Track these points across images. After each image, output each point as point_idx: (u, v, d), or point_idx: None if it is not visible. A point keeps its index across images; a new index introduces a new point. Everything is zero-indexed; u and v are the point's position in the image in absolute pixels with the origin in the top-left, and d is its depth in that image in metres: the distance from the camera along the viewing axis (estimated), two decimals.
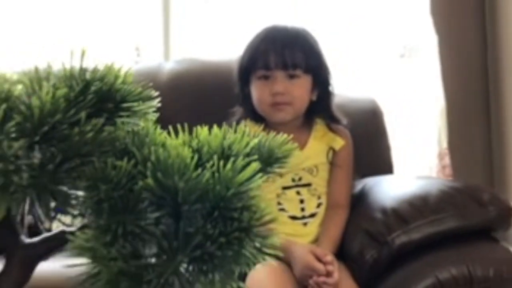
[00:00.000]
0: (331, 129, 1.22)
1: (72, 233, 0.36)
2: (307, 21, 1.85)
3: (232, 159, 0.32)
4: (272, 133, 0.43)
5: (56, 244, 0.36)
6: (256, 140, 0.39)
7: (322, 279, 1.00)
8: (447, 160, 1.88)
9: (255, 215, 0.31)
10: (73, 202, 0.30)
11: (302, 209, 1.15)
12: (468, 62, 1.94)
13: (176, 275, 0.29)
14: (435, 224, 1.05)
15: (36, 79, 0.35)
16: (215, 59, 1.75)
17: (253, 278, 1.03)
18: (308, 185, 1.17)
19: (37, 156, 0.30)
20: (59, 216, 1.44)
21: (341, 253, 1.11)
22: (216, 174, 0.31)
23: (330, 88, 1.22)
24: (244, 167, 0.33)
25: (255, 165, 0.33)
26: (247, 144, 0.39)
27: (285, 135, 0.43)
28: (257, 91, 1.16)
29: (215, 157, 0.32)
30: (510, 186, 1.83)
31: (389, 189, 1.18)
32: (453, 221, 1.05)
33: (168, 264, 0.29)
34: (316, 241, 1.13)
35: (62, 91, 0.32)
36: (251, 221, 0.30)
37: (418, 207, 1.07)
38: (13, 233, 0.36)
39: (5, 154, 0.29)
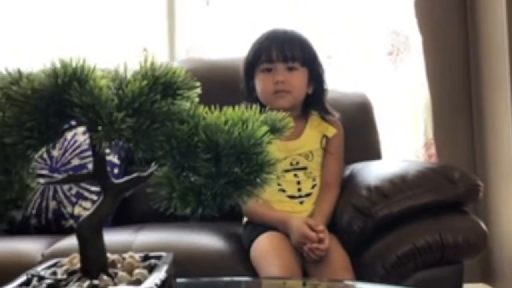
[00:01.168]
0: (325, 120, 1.44)
1: (147, 177, 0.57)
2: (304, 22, 2.06)
3: (250, 124, 0.54)
4: (275, 112, 0.65)
5: (134, 184, 0.58)
6: (264, 115, 0.60)
7: (314, 245, 1.21)
8: (433, 150, 2.09)
9: (265, 158, 0.52)
10: (156, 149, 0.51)
11: (299, 190, 1.37)
12: (451, 59, 2.16)
13: (220, 190, 0.50)
14: (412, 198, 1.26)
15: (119, 76, 0.56)
16: (219, 59, 1.95)
17: (258, 246, 1.25)
18: (304, 168, 1.39)
19: (132, 122, 0.51)
20: (80, 201, 1.65)
21: (333, 226, 1.32)
22: (242, 133, 0.52)
23: (324, 83, 1.44)
24: (258, 128, 0.54)
25: (265, 128, 0.54)
26: (259, 117, 0.60)
27: (285, 113, 0.64)
28: (261, 82, 1.39)
29: (240, 122, 0.54)
30: (491, 171, 2.04)
31: (374, 170, 1.40)
32: (428, 196, 1.27)
33: (215, 184, 0.50)
34: (311, 216, 1.35)
35: (144, 82, 0.53)
36: (264, 161, 0.52)
37: (397, 184, 1.28)
38: (107, 176, 0.57)
39: (116, 119, 0.50)
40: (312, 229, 1.23)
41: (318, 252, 1.21)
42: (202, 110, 0.56)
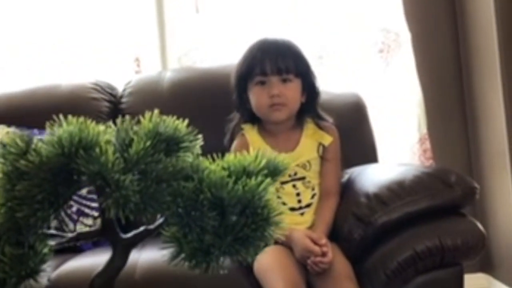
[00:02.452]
0: (320, 127, 1.45)
1: (154, 230, 0.59)
2: (294, 24, 2.07)
3: (253, 177, 0.55)
4: (276, 153, 0.66)
5: (142, 237, 0.59)
6: (265, 160, 0.62)
7: (318, 259, 1.23)
8: (427, 144, 2.11)
9: (270, 211, 0.54)
10: (163, 210, 0.53)
11: (299, 201, 1.39)
12: (441, 54, 2.17)
13: (228, 248, 0.52)
14: (410, 204, 1.28)
15: (124, 132, 0.57)
16: (212, 66, 1.95)
17: (261, 260, 1.26)
18: (302, 178, 1.40)
19: (139, 185, 0.52)
20: (81, 218, 1.66)
21: (333, 235, 1.34)
22: (246, 188, 0.54)
23: (317, 90, 1.45)
24: (261, 181, 0.56)
25: (268, 181, 0.55)
26: (260, 163, 0.62)
27: (285, 156, 0.65)
28: (256, 96, 1.40)
29: (244, 176, 0.55)
30: (484, 162, 2.07)
31: (371, 177, 1.41)
32: (425, 201, 1.29)
33: (222, 243, 0.52)
34: (312, 226, 1.37)
35: (148, 143, 0.54)
36: (269, 214, 0.53)
37: (395, 191, 1.30)
38: (115, 232, 0.59)
39: (123, 185, 0.51)
40: (315, 242, 1.25)
41: (322, 265, 1.23)
42: (205, 162, 0.57)
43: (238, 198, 0.53)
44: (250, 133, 1.44)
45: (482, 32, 1.98)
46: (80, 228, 1.65)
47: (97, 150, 0.51)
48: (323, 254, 1.23)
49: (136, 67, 2.10)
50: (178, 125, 0.58)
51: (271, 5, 2.08)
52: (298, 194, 1.39)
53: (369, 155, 1.74)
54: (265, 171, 0.61)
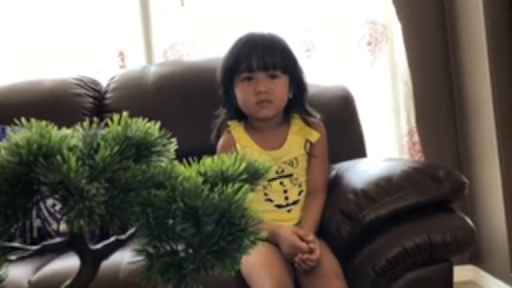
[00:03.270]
0: (307, 123, 1.40)
1: (125, 240, 0.54)
2: (280, 16, 2.02)
3: (230, 184, 0.51)
4: (256, 155, 0.61)
5: (113, 249, 0.54)
6: (244, 164, 0.57)
7: (306, 256, 1.19)
8: (416, 137, 2.08)
9: (248, 221, 0.49)
10: (132, 221, 0.48)
11: (286, 198, 1.34)
12: (430, 46, 2.13)
13: (202, 262, 0.47)
14: (399, 201, 1.25)
15: (89, 136, 0.52)
16: (197, 60, 1.90)
17: (248, 259, 1.22)
18: (290, 175, 1.36)
19: (105, 195, 0.47)
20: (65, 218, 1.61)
21: (321, 232, 1.30)
22: (222, 196, 0.49)
23: (305, 86, 1.40)
24: (239, 188, 0.51)
25: (247, 187, 0.51)
26: (239, 166, 0.57)
27: (266, 159, 0.61)
28: (242, 92, 1.35)
29: (220, 183, 0.50)
30: (473, 155, 2.04)
31: (359, 173, 1.37)
32: (414, 197, 1.25)
33: (196, 256, 0.47)
34: (299, 223, 1.33)
35: (115, 149, 0.49)
36: (247, 225, 0.49)
37: (383, 187, 1.26)
38: (84, 243, 0.54)
39: (88, 195, 0.46)
40: (302, 239, 1.21)
41: (310, 263, 1.19)
42: (179, 168, 0.53)
43: (214, 207, 0.48)
44: (237, 130, 1.39)
45: (471, 24, 1.94)
46: (64, 228, 1.60)
47: (59, 157, 0.46)
48: (311, 251, 1.19)
49: (120, 61, 2.04)
50: (150, 128, 0.53)
51: None
52: (285, 191, 1.35)
53: (357, 149, 1.70)
54: (245, 175, 0.56)
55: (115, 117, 0.52)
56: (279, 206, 1.34)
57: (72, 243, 0.53)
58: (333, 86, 1.84)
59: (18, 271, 1.30)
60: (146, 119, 0.54)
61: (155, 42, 2.04)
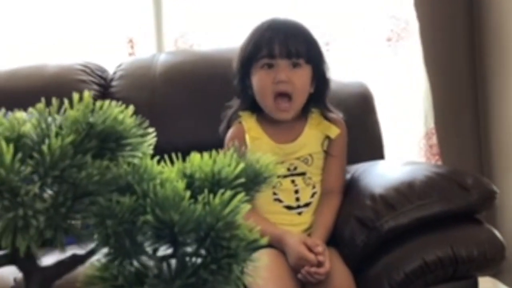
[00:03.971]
0: (326, 118, 1.24)
1: (84, 257, 0.40)
2: (300, 8, 1.88)
3: (220, 191, 0.37)
4: (258, 154, 0.48)
5: (69, 267, 0.41)
6: (242, 164, 0.43)
7: (313, 269, 1.05)
8: (434, 140, 1.93)
9: (241, 243, 0.35)
10: (85, 237, 0.35)
11: (297, 199, 1.20)
12: (451, 45, 1.97)
13: None
14: (421, 209, 1.10)
15: (44, 122, 0.39)
16: (210, 50, 1.77)
17: None
18: (303, 174, 1.21)
19: (49, 200, 0.34)
20: None
21: (333, 239, 1.16)
22: (207, 207, 0.36)
23: (328, 81, 1.25)
24: (232, 197, 0.37)
25: (241, 197, 0.37)
26: (235, 168, 0.43)
27: (270, 156, 0.47)
28: (260, 80, 1.18)
29: (206, 190, 0.37)
30: (496, 161, 1.88)
31: (378, 176, 1.23)
32: (438, 206, 1.10)
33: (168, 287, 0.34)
34: (310, 228, 1.18)
35: (69, 139, 0.36)
36: (238, 249, 0.35)
37: (404, 193, 1.12)
38: (31, 259, 0.41)
39: (23, 200, 0.33)
40: (311, 249, 1.07)
41: (317, 277, 1.04)
42: (156, 168, 0.39)
43: (196, 222, 0.35)
44: (248, 121, 1.22)
45: (499, 20, 1.78)
46: None
47: None
48: (319, 264, 1.05)
49: (129, 49, 1.91)
50: (120, 114, 0.40)
51: None
52: (296, 192, 1.19)
53: (375, 150, 1.56)
54: (242, 180, 0.43)
55: (75, 96, 0.39)
56: (289, 208, 1.19)
57: (16, 257, 0.40)
58: (351, 82, 1.70)
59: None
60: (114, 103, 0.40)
61: (166, 30, 1.91)
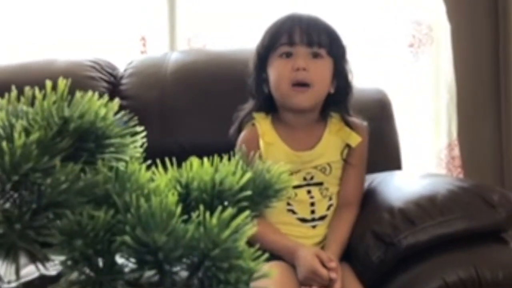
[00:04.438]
0: (347, 124, 1.14)
1: (55, 278, 0.33)
2: (318, 10, 1.80)
3: (219, 208, 0.29)
4: (269, 162, 0.40)
5: None
6: (250, 174, 0.36)
7: None
8: (456, 151, 1.84)
9: (242, 276, 0.28)
10: (46, 260, 0.28)
11: (312, 212, 1.10)
12: (480, 52, 1.88)
13: None
14: (443, 225, 1.01)
15: (10, 116, 0.32)
16: (223, 50, 1.70)
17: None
18: (319, 184, 1.12)
19: (4, 211, 0.27)
20: None
21: (347, 254, 1.08)
22: (202, 229, 0.28)
23: (350, 83, 1.15)
24: (235, 216, 0.30)
25: (245, 215, 0.30)
26: (241, 177, 0.36)
27: (282, 165, 0.39)
28: (277, 69, 1.09)
29: (201, 207, 0.29)
30: None
31: (396, 189, 1.14)
32: (461, 223, 1.02)
33: None
34: (323, 241, 1.10)
35: (34, 136, 0.28)
36: (239, 284, 0.28)
37: (425, 208, 1.03)
38: None
39: None
40: (324, 264, 0.98)
41: None
42: (144, 175, 0.32)
43: (187, 247, 0.27)
44: (262, 123, 1.12)
45: None
46: None
47: None
48: (330, 281, 0.96)
49: (141, 47, 1.85)
50: (102, 107, 0.32)
51: None
52: (312, 204, 1.10)
53: (391, 160, 1.47)
54: (248, 192, 0.35)
55: (48, 84, 0.32)
56: (303, 220, 1.10)
57: None
58: (369, 88, 1.61)
59: None
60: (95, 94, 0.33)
61: (180, 29, 1.85)
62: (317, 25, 1.10)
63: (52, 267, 0.29)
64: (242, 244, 0.28)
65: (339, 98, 1.13)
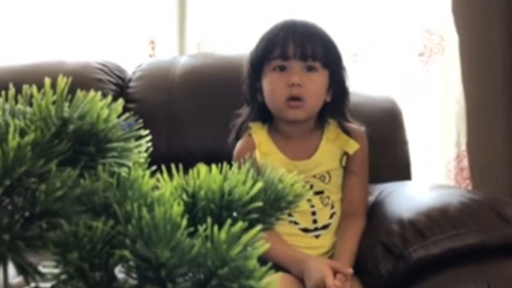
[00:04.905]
0: (345, 130, 1.12)
1: None
2: (328, 16, 1.78)
3: (228, 221, 0.27)
4: (280, 171, 0.37)
5: None
6: (261, 184, 0.33)
7: None
8: (465, 162, 1.80)
9: None
10: (39, 275, 0.25)
11: (314, 221, 1.08)
12: (490, 62, 1.85)
13: None
14: (455, 239, 0.98)
15: (7, 115, 0.29)
16: (232, 54, 1.67)
17: None
18: (320, 192, 1.09)
19: None
20: None
21: (355, 267, 1.04)
22: (209, 244, 0.25)
23: (346, 89, 1.14)
24: (245, 230, 0.27)
25: (257, 230, 0.27)
26: (251, 187, 0.33)
27: (296, 175, 0.37)
28: (272, 83, 1.07)
29: (209, 220, 0.27)
30: None
31: (406, 199, 1.11)
32: (474, 237, 0.98)
33: None
34: (329, 252, 1.07)
35: (30, 137, 0.26)
36: None
37: (437, 220, 1.00)
38: None
39: None
40: (336, 272, 0.95)
41: None
42: (148, 182, 0.29)
43: (192, 264, 0.25)
44: (259, 133, 1.11)
45: None
46: None
47: None
48: None
49: (150, 50, 1.83)
50: (104, 109, 0.30)
51: None
52: (313, 213, 1.07)
53: (401, 170, 1.44)
54: (259, 203, 0.32)
55: (46, 82, 0.29)
56: (305, 230, 1.07)
57: None
58: (379, 96, 1.58)
59: None
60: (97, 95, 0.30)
61: (189, 33, 1.83)
62: (311, 36, 1.06)
63: (45, 280, 0.27)
64: (253, 262, 0.26)
65: (336, 105, 1.11)
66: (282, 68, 1.06)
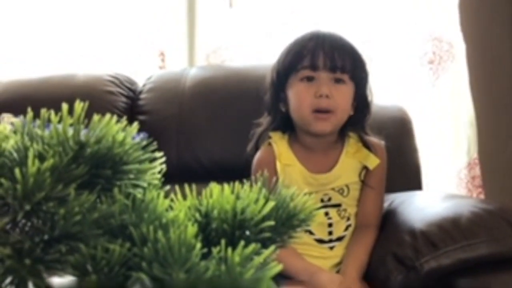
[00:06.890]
0: (365, 144, 1.11)
1: None
2: (337, 25, 1.78)
3: (241, 243, 0.27)
4: (292, 190, 0.38)
5: None
6: (273, 203, 0.34)
7: None
8: (477, 171, 1.79)
9: None
10: None
11: (330, 233, 1.08)
12: (499, 70, 1.84)
13: None
14: (467, 250, 0.98)
15: (26, 139, 0.30)
16: (241, 66, 1.68)
17: None
18: (337, 205, 1.09)
19: (15, 243, 0.25)
20: None
21: (366, 277, 1.05)
22: (223, 266, 0.26)
23: (369, 105, 1.12)
24: (258, 250, 0.28)
25: (269, 251, 0.27)
26: (263, 206, 0.34)
27: (307, 193, 0.37)
28: (298, 94, 1.05)
29: (222, 242, 0.27)
30: None
31: (418, 210, 1.11)
32: (486, 247, 0.98)
33: None
34: (340, 263, 1.07)
35: (49, 163, 0.27)
36: None
37: (448, 231, 1.00)
38: None
39: None
40: None
41: None
42: (163, 202, 0.30)
43: (207, 285, 0.25)
44: (279, 143, 1.10)
45: None
46: None
47: None
48: None
49: (160, 62, 1.85)
50: (119, 132, 0.30)
51: (312, 3, 1.80)
52: (330, 225, 1.08)
53: (412, 180, 1.43)
54: (271, 222, 0.33)
55: (64, 107, 0.30)
56: (320, 241, 1.08)
57: None
58: (389, 105, 1.58)
59: None
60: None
61: (199, 45, 1.84)
62: (340, 48, 1.06)
63: None
64: (266, 283, 0.26)
65: (358, 118, 1.11)
66: (310, 79, 1.05)
